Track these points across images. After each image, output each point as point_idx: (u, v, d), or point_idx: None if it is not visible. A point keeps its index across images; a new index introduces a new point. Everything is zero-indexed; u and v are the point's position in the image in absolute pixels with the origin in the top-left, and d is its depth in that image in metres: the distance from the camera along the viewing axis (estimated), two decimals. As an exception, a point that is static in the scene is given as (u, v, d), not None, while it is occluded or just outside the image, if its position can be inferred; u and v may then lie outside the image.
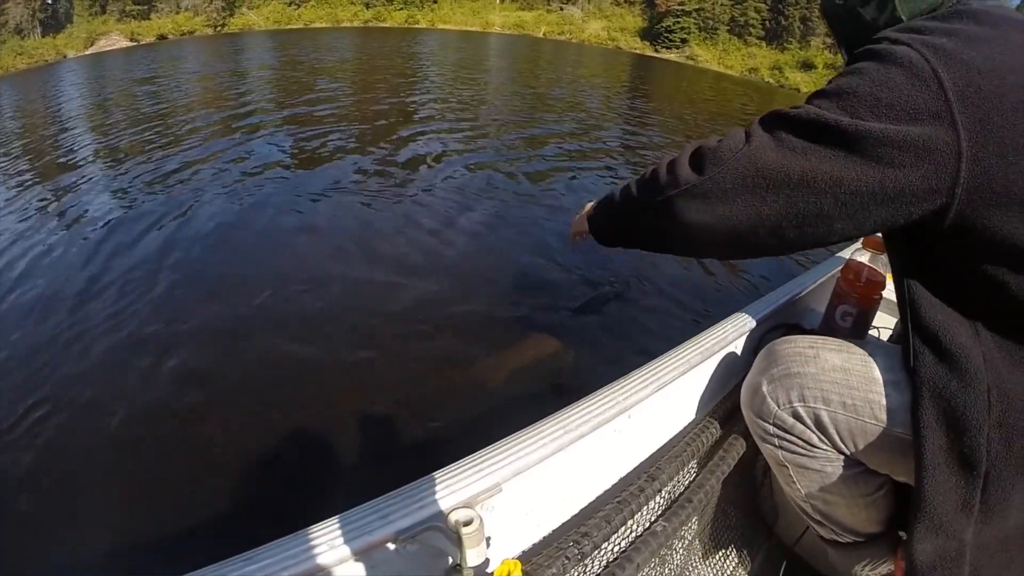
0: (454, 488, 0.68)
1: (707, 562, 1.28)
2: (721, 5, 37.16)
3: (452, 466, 0.72)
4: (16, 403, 2.30)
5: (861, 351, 0.92)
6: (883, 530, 1.01)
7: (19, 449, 2.03)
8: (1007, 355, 0.78)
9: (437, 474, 0.70)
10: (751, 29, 36.33)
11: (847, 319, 1.30)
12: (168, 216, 4.52)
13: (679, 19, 37.33)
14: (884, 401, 0.86)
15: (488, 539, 0.67)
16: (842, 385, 0.90)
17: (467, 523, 0.64)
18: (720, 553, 1.32)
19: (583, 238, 1.21)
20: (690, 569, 1.18)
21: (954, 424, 0.77)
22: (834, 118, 0.78)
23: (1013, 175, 0.72)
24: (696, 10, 37.22)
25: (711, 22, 37.17)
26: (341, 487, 1.66)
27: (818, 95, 0.83)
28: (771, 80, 28.95)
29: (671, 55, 35.96)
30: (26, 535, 1.71)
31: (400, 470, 1.60)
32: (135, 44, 34.62)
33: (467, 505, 0.67)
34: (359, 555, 0.64)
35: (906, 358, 0.84)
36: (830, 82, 0.83)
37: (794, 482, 0.98)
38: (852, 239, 0.91)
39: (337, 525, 0.65)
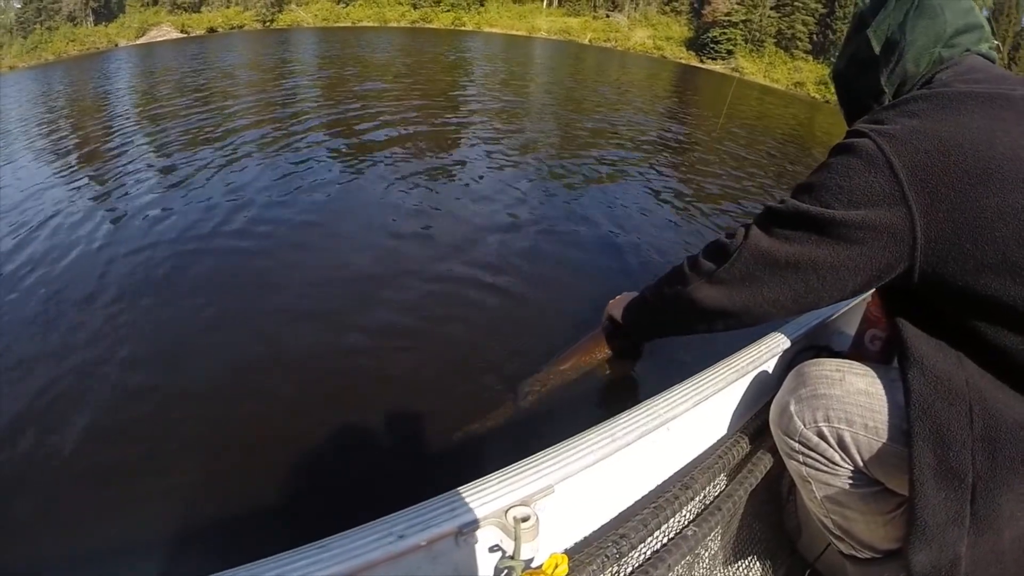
0: (512, 487, 0.76)
1: (731, 571, 1.34)
2: (768, 17, 36.64)
3: (510, 468, 0.80)
4: (51, 387, 2.43)
5: (885, 376, 0.99)
6: (900, 547, 1.06)
7: (55, 439, 2.14)
8: (989, 380, 0.87)
9: (496, 474, 0.78)
10: (798, 43, 35.79)
11: (876, 343, 1.35)
12: (209, 204, 4.68)
13: (726, 30, 36.89)
14: (904, 425, 0.91)
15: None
16: (865, 408, 0.97)
17: (524, 519, 0.73)
18: (744, 563, 1.38)
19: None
20: (716, 573, 1.25)
21: (940, 440, 0.85)
22: (806, 208, 0.96)
23: (964, 237, 0.84)
24: (743, 21, 36.72)
25: (758, 34, 36.64)
26: (408, 483, 1.76)
27: (799, 189, 1.02)
28: (816, 95, 28.45)
29: (716, 66, 35.51)
30: (64, 527, 1.80)
31: (462, 467, 1.72)
32: (185, 36, 35.41)
33: (524, 503, 0.75)
34: (425, 546, 0.71)
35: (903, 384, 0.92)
36: (810, 175, 1.01)
37: (816, 497, 1.05)
38: (841, 301, 1.04)
39: (407, 518, 0.72)
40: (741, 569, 1.38)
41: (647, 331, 1.43)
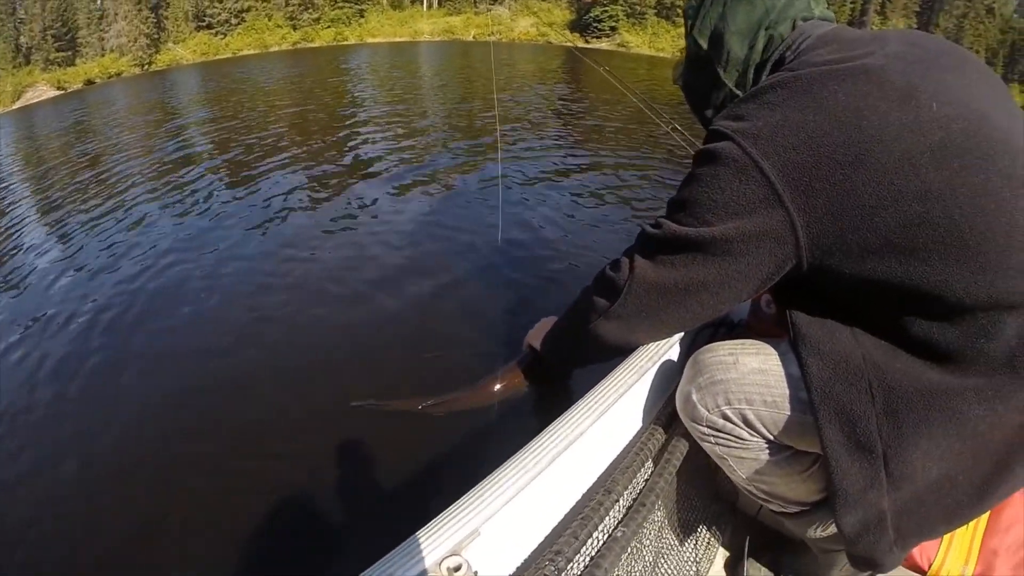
0: (439, 540, 0.78)
1: (682, 546, 1.41)
2: None
3: (433, 522, 0.82)
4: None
5: (777, 350, 1.03)
6: (825, 496, 1.10)
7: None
8: (885, 351, 0.90)
9: (422, 531, 0.80)
10: (678, 10, 36.96)
11: (771, 306, 1.42)
12: (123, 260, 4.68)
13: (606, 8, 38.35)
14: (801, 395, 0.96)
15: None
16: (761, 385, 1.00)
17: (456, 569, 0.75)
18: (692, 536, 1.46)
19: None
20: (665, 556, 1.31)
21: (846, 419, 0.89)
22: (684, 232, 0.97)
23: (847, 228, 0.85)
24: None
25: (638, 8, 38.06)
26: (334, 556, 1.77)
27: (672, 206, 1.02)
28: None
29: (602, 44, 36.96)
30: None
31: (388, 526, 1.74)
32: (63, 92, 33.82)
33: (454, 552, 0.78)
34: None
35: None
36: (680, 189, 0.99)
37: (735, 471, 1.11)
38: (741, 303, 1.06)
39: None
40: (691, 542, 1.45)
41: (567, 364, 1.44)
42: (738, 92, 1.15)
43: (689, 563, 1.42)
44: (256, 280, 3.92)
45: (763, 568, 1.47)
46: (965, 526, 0.97)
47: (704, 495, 1.51)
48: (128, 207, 6.37)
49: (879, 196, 0.82)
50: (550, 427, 1.00)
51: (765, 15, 1.09)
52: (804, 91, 0.89)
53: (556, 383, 1.55)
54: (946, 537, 1.01)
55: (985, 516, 0.99)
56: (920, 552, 1.02)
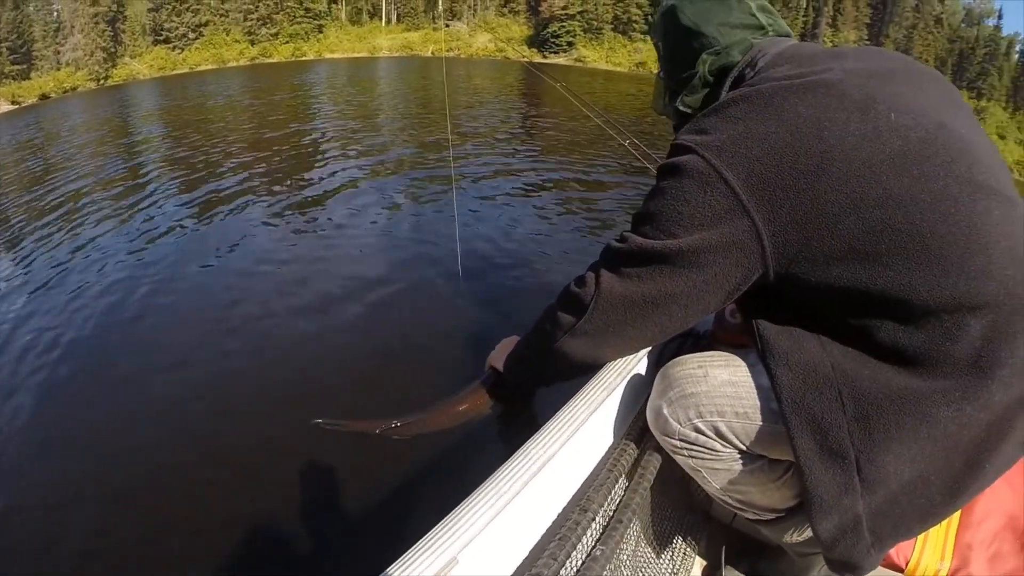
0: (416, 571, 0.76)
1: (659, 559, 1.40)
2: (604, 5, 39.32)
3: (408, 552, 0.80)
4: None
5: (745, 362, 1.04)
6: (799, 502, 1.11)
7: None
8: (853, 358, 0.91)
9: (396, 563, 0.77)
10: (634, 25, 38.54)
11: (736, 315, 1.43)
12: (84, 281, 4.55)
13: (564, 23, 39.75)
14: (771, 405, 0.97)
15: (454, 606, 0.77)
16: (732, 397, 1.01)
17: None
18: (669, 548, 1.45)
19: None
20: (643, 570, 1.31)
21: (817, 428, 0.89)
22: (650, 244, 0.97)
23: (812, 235, 0.87)
24: (580, 13, 39.49)
25: (595, 23, 39.43)
26: None
27: (638, 220, 1.02)
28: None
29: (559, 59, 38.19)
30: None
31: (356, 564, 1.67)
32: (17, 107, 33.17)
33: None
34: None
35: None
36: (645, 203, 0.99)
37: (709, 482, 1.11)
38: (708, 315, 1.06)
39: None
40: (667, 553, 1.45)
41: (532, 384, 1.42)
42: (687, 111, 1.21)
43: (667, 575, 1.42)
44: (209, 294, 3.90)
45: (741, 575, 1.48)
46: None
47: (679, 506, 1.51)
48: (77, 224, 6.23)
49: (841, 204, 0.84)
50: (522, 448, 0.99)
51: (708, 46, 1.15)
52: (765, 104, 0.91)
53: (520, 403, 1.52)
54: (921, 535, 1.02)
55: (958, 512, 1.01)
56: (897, 551, 1.03)
